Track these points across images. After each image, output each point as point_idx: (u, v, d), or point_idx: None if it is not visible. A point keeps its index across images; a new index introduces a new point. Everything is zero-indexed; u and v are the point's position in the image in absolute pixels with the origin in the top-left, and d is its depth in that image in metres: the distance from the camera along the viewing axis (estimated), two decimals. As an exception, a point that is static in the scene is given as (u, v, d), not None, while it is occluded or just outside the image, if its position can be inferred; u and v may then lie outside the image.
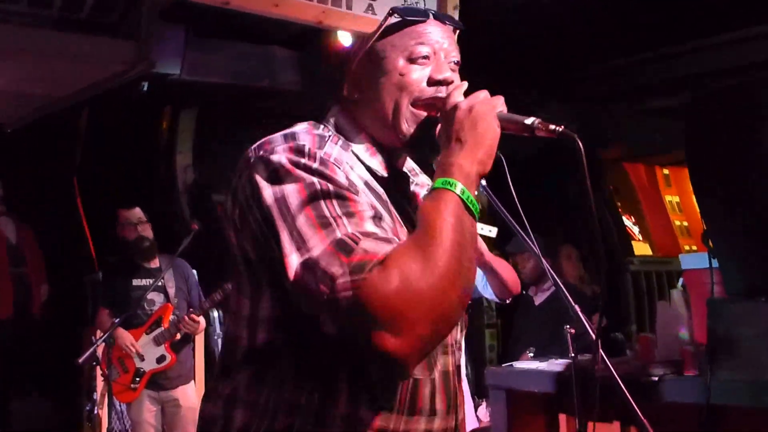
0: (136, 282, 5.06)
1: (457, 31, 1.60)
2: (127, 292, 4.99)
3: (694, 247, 9.39)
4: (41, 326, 6.81)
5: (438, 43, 1.49)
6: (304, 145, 1.35)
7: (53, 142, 7.33)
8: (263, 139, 1.42)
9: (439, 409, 1.45)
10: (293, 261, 1.26)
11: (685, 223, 9.81)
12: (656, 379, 3.00)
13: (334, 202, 1.29)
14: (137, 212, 5.10)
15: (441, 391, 1.45)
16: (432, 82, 1.48)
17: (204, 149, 7.14)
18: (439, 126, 1.44)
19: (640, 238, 9.53)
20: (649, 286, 8.61)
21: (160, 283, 4.96)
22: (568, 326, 2.84)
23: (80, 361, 4.35)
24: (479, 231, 1.50)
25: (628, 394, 1.98)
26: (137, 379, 4.94)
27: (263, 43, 5.88)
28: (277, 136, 1.41)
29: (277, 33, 5.52)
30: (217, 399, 1.42)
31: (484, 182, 2.68)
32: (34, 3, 4.46)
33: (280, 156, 1.33)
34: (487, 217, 4.06)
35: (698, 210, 4.53)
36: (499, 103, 1.42)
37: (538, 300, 5.38)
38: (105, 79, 5.30)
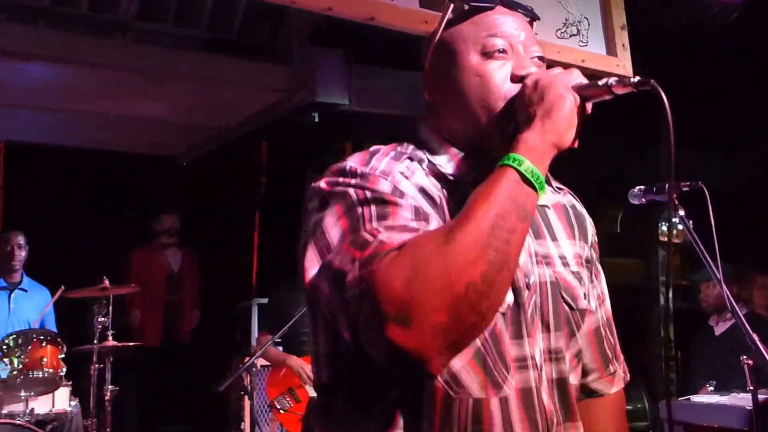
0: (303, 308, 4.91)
1: (534, 23, 1.47)
2: (291, 317, 4.86)
3: None
4: (190, 353, 6.90)
5: (513, 36, 1.38)
6: (345, 165, 1.33)
7: (234, 175, 7.51)
8: None
9: None
10: (313, 269, 1.24)
11: None
12: None
13: (371, 206, 1.24)
14: None
15: (520, 412, 1.29)
16: (515, 79, 1.36)
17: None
18: None
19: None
20: None
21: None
22: (744, 357, 2.79)
23: (220, 388, 4.25)
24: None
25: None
26: (312, 408, 4.71)
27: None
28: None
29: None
30: (304, 428, 1.38)
31: (682, 212, 2.55)
32: (181, 23, 4.51)
33: (321, 182, 1.33)
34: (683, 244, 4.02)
35: None
36: (575, 75, 1.29)
37: (719, 330, 5.24)
38: (267, 108, 5.34)
